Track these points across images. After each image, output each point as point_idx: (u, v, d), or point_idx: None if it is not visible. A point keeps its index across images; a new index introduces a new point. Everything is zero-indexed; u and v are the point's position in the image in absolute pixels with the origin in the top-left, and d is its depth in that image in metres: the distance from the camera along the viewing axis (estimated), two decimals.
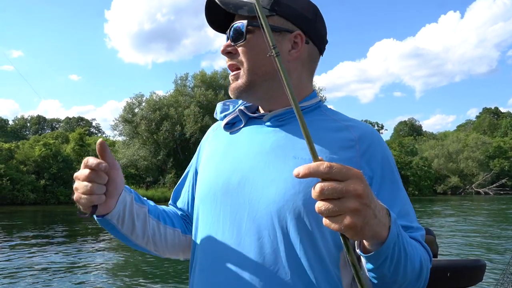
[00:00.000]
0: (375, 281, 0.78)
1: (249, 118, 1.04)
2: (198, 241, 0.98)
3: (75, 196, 0.87)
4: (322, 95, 46.31)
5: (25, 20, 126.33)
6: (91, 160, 0.85)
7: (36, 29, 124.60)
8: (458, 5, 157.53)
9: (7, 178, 28.40)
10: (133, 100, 40.07)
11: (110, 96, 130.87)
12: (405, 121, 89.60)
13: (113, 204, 0.92)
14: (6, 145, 32.43)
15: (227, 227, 0.91)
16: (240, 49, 0.96)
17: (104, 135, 62.71)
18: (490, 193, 51.88)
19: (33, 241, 11.04)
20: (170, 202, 1.21)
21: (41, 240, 11.24)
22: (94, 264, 8.06)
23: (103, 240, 11.52)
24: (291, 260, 0.85)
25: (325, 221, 0.65)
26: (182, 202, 1.16)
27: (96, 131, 75.84)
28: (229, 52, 0.98)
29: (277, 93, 0.97)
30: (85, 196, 0.86)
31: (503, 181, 53.69)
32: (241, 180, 0.92)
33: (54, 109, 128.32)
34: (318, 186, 0.63)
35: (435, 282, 2.23)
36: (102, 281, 6.73)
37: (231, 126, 1.06)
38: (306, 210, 0.85)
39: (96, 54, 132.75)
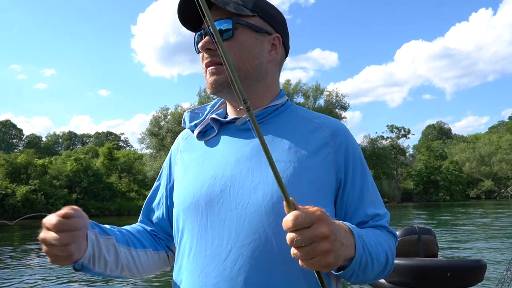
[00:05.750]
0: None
1: (221, 124, 1.03)
2: (186, 252, 0.95)
3: (52, 257, 0.83)
4: (346, 101, 45.90)
5: (57, 40, 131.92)
6: (52, 219, 0.81)
7: (67, 48, 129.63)
8: (490, 2, 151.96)
9: (41, 192, 29.55)
10: (159, 113, 41.10)
11: (138, 109, 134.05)
12: (433, 125, 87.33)
13: (81, 248, 0.87)
14: (40, 161, 33.80)
15: (216, 235, 0.90)
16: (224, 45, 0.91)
17: (132, 149, 64.23)
18: None
19: None
20: (141, 217, 1.16)
21: None
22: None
23: None
24: (285, 259, 0.85)
25: (300, 263, 0.72)
26: (156, 217, 1.12)
27: (124, 145, 77.80)
28: (208, 49, 0.97)
29: (254, 93, 1.00)
30: (62, 248, 0.81)
31: None
32: (224, 187, 0.92)
33: (85, 124, 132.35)
34: (289, 237, 0.70)
35: (435, 282, 2.27)
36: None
37: (203, 135, 1.05)
38: None
39: (124, 69, 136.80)
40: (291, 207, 0.71)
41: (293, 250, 0.71)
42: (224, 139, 1.01)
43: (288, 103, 1.05)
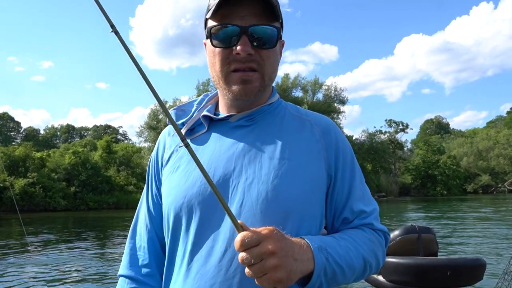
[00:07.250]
0: None
1: (211, 121, 1.01)
2: (180, 253, 0.94)
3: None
4: (344, 96, 45.88)
5: (54, 32, 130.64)
6: None
7: (65, 40, 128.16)
8: None
9: (40, 185, 29.55)
10: (157, 106, 40.97)
11: (137, 103, 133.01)
12: (431, 119, 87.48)
13: None
14: (38, 154, 33.83)
15: (211, 235, 0.89)
16: (264, 54, 0.93)
17: (130, 142, 64.17)
18: None
19: (66, 245, 11.49)
20: (141, 240, 1.07)
21: (73, 244, 11.68)
22: None
23: None
24: None
25: (256, 282, 0.76)
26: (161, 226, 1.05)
27: (122, 138, 77.69)
28: (249, 54, 0.91)
29: (263, 95, 1.00)
30: None
31: None
32: (217, 185, 0.90)
33: (83, 117, 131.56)
34: (239, 257, 0.76)
35: (435, 281, 2.28)
36: None
37: (191, 132, 1.02)
38: (291, 208, 0.89)
39: (122, 62, 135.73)
40: (240, 229, 0.76)
41: (246, 269, 0.76)
42: (215, 136, 0.99)
43: (279, 101, 1.05)
